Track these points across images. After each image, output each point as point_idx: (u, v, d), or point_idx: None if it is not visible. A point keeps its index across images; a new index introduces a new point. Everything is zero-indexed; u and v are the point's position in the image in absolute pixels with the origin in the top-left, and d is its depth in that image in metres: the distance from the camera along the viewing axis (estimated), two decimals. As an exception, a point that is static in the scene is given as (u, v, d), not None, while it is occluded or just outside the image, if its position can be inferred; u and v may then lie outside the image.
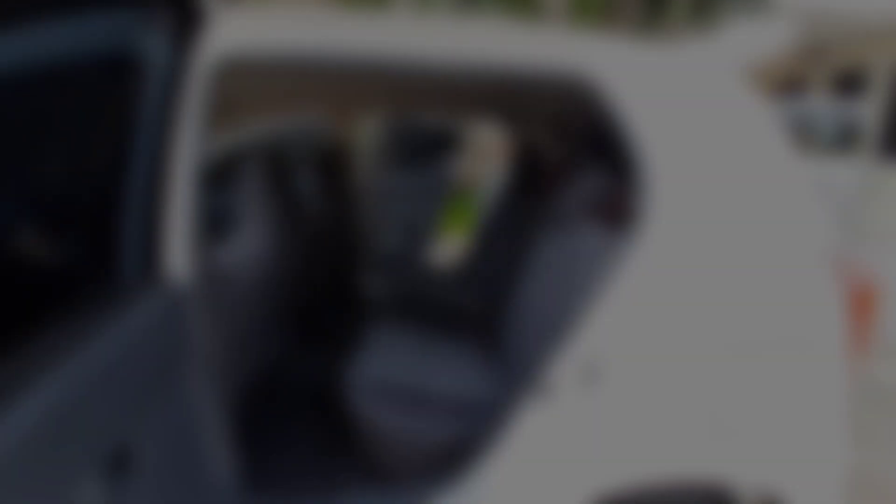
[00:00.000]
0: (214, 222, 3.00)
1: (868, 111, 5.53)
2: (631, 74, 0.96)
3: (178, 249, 0.80)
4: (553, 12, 5.70)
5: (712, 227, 0.97)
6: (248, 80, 1.52)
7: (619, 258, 0.96)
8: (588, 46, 0.97)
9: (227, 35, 0.84)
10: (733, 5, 5.23)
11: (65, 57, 0.63)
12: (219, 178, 3.36)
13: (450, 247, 3.64)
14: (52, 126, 0.64)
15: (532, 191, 2.08)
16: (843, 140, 5.47)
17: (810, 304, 0.99)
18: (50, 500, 0.47)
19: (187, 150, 0.81)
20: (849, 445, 1.05)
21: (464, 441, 1.15)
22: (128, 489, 0.58)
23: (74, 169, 0.65)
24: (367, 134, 3.28)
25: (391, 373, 1.35)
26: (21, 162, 0.60)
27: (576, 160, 2.20)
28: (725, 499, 1.09)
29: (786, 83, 6.95)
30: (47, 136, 0.63)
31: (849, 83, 7.48)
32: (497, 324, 1.80)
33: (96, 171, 0.69)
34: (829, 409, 1.05)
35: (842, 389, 1.04)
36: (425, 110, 3.24)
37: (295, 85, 1.75)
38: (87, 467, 0.52)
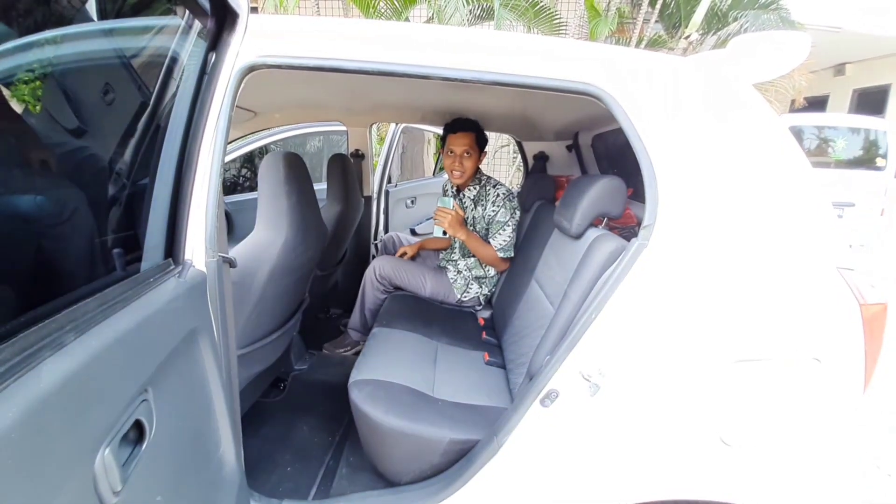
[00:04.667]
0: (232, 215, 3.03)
1: (888, 128, 5.42)
2: (640, 86, 0.96)
3: (199, 238, 0.84)
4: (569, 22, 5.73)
5: (723, 239, 0.95)
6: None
7: (625, 264, 0.95)
8: (599, 60, 0.98)
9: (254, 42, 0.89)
10: (753, 23, 5.18)
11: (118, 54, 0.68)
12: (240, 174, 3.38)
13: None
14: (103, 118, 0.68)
15: (539, 196, 2.10)
16: (863, 155, 5.38)
17: (825, 320, 0.97)
18: (72, 461, 0.49)
19: (212, 145, 0.84)
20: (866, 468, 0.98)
21: (466, 445, 1.15)
22: (142, 460, 0.60)
23: (115, 155, 0.69)
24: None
25: (395, 375, 1.36)
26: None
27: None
28: None
29: (807, 100, 6.88)
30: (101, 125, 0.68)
31: (870, 101, 7.36)
32: (500, 326, 1.80)
33: (132, 159, 0.73)
34: (842, 428, 1.02)
35: (855, 408, 1.01)
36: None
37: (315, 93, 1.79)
38: (108, 432, 0.54)
